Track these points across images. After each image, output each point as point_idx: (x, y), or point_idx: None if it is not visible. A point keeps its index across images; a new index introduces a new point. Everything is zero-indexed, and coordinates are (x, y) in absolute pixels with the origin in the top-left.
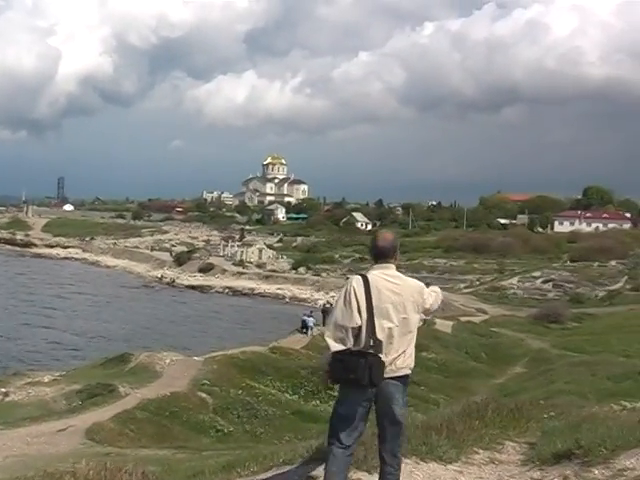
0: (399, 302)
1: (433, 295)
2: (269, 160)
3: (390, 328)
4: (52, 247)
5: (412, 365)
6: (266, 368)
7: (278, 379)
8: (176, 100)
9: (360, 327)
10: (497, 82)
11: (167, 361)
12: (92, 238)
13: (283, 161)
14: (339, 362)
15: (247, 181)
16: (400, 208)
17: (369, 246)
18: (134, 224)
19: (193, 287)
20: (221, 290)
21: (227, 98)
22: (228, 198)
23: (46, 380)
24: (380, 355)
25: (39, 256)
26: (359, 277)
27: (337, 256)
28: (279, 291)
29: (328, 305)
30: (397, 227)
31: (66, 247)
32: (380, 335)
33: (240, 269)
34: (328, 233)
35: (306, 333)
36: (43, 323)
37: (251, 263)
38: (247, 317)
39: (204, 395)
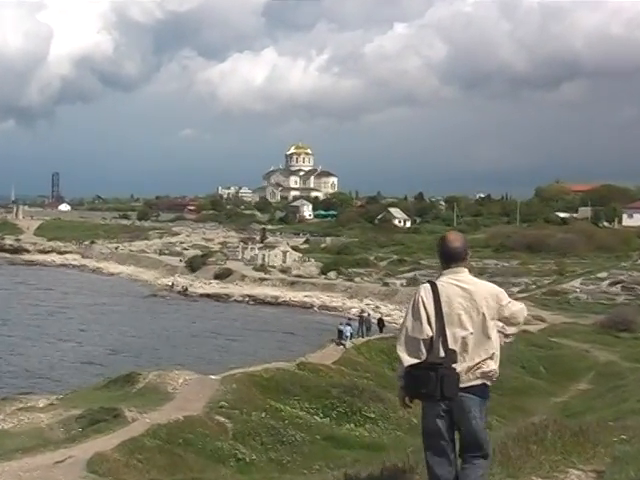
0: (472, 308)
1: (517, 305)
2: (293, 150)
3: (464, 337)
4: (47, 253)
5: (494, 375)
6: (293, 387)
7: (307, 400)
8: (186, 83)
9: (432, 338)
10: (554, 54)
11: (180, 381)
12: (92, 242)
13: (309, 151)
14: (410, 376)
15: (268, 174)
16: (443, 202)
17: (437, 250)
18: (140, 225)
19: (208, 296)
20: (240, 299)
21: (244, 80)
22: (247, 194)
23: (41, 405)
24: (454, 366)
25: (32, 263)
26: (427, 285)
27: (372, 258)
28: (306, 299)
29: (365, 314)
30: (440, 224)
31: (63, 253)
32: (453, 345)
33: (262, 275)
34: (361, 232)
35: (343, 344)
36: (36, 340)
37: (274, 268)
38: (270, 329)
39: (222, 419)
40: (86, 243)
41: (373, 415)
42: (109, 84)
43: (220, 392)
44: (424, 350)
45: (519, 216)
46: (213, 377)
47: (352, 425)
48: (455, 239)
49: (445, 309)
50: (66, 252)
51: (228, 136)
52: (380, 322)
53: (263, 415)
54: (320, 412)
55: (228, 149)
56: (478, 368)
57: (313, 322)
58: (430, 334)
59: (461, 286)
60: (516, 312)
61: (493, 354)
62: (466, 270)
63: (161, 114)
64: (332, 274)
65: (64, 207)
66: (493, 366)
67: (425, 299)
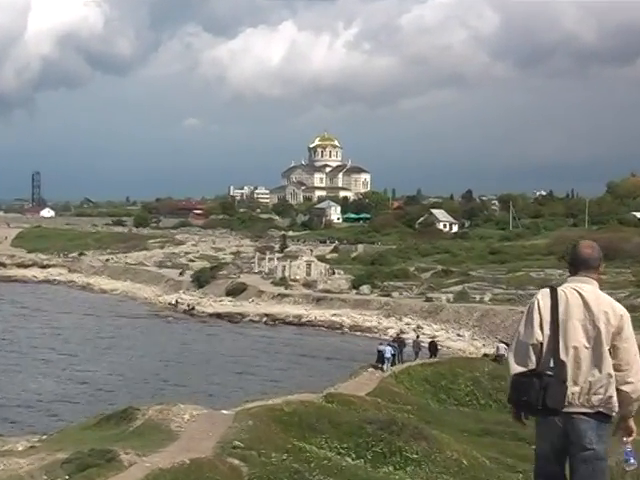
0: (589, 320)
1: (634, 355)
2: (317, 142)
3: (576, 348)
4: (27, 267)
5: (614, 407)
6: (320, 423)
7: (336, 438)
8: (189, 64)
9: (542, 344)
10: (629, 22)
11: (186, 416)
12: (81, 254)
13: (336, 143)
14: (514, 384)
15: (288, 172)
16: (496, 202)
17: (568, 256)
18: (138, 233)
19: (219, 315)
20: (257, 318)
21: (258, 60)
22: (263, 195)
23: (20, 448)
24: (563, 379)
25: (9, 280)
26: (546, 289)
27: (412, 269)
28: (335, 318)
29: (404, 336)
30: (493, 227)
31: (46, 267)
32: (564, 355)
33: (282, 290)
34: (400, 238)
35: (382, 369)
36: (15, 370)
37: (297, 281)
38: (292, 354)
39: (236, 462)
40: (73, 255)
41: (415, 456)
42: (98, 66)
43: (234, 430)
44: (533, 357)
45: (588, 217)
46: (225, 412)
47: (391, 468)
48: (590, 246)
49: (561, 317)
50: (50, 266)
51: (240, 127)
52: (432, 346)
53: (284, 457)
54: (352, 452)
55: (240, 142)
56: (594, 393)
57: (343, 345)
58: (540, 339)
59: (582, 295)
60: (629, 359)
61: (610, 378)
62: (595, 282)
63: (161, 102)
64: (365, 288)
65: (47, 212)
66: (612, 393)
67: (541, 303)
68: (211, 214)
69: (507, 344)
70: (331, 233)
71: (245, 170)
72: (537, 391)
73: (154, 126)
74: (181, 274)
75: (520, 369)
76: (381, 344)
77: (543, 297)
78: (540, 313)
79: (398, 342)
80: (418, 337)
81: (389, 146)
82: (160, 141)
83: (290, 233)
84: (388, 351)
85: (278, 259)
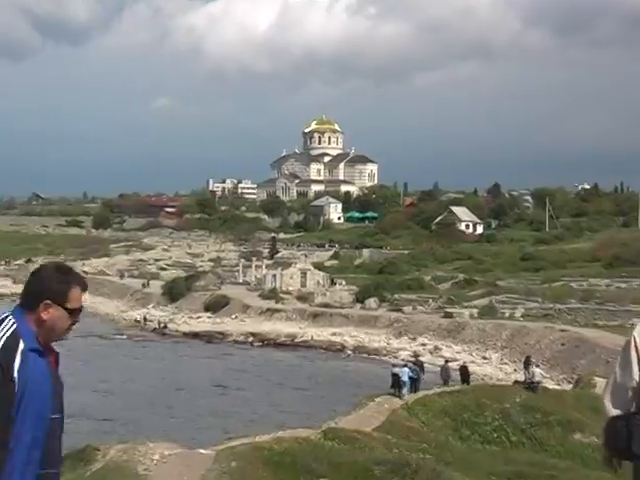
0: None
1: None
2: (314, 126)
3: None
4: None
5: None
6: (318, 465)
7: None
8: (158, 32)
9: None
10: None
11: (155, 457)
12: (29, 260)
13: (336, 127)
14: (610, 428)
15: (279, 162)
16: (530, 197)
17: None
18: (97, 236)
19: (196, 335)
20: (242, 338)
21: (242, 27)
22: (249, 190)
23: None
24: None
25: None
26: None
27: (428, 279)
28: (336, 338)
29: (423, 360)
30: (525, 228)
31: None
32: None
33: (272, 304)
34: (413, 241)
35: (399, 394)
36: None
37: (289, 294)
38: (285, 381)
39: None
40: (19, 262)
41: None
42: (49, 34)
43: (214, 473)
44: (632, 400)
45: None
46: (203, 451)
47: None
48: None
49: None
50: None
51: (221, 108)
52: (464, 371)
53: None
54: None
55: (221, 127)
56: None
57: (345, 371)
58: (638, 380)
59: None
60: None
61: None
62: None
63: (124, 78)
64: (372, 302)
65: None
66: None
67: (637, 339)
68: (186, 213)
69: (533, 363)
70: (331, 236)
71: (227, 160)
72: (623, 435)
73: (117, 107)
74: (145, 285)
75: (616, 412)
76: (396, 365)
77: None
78: (637, 350)
79: (417, 364)
80: (447, 362)
81: (400, 131)
82: (124, 126)
83: (281, 235)
84: (405, 373)
85: (267, 267)
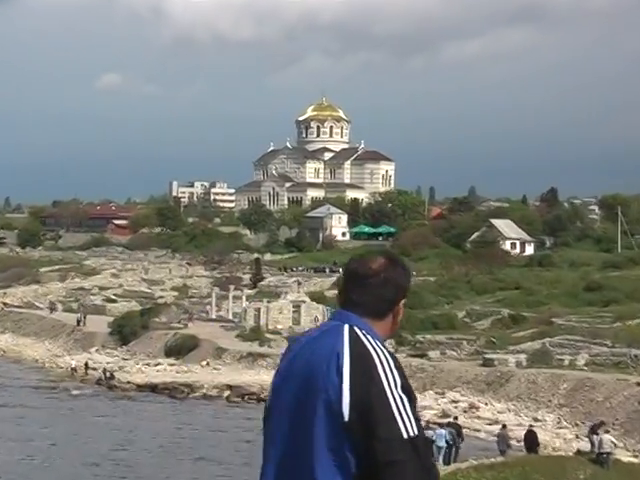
0: None
1: None
2: (311, 113)
3: None
4: None
5: None
6: None
7: None
8: None
9: None
10: None
11: None
12: None
13: (341, 114)
14: None
15: (265, 159)
16: (596, 207)
17: None
18: (24, 256)
19: (154, 388)
20: (215, 392)
21: None
22: (226, 196)
23: None
24: None
25: None
26: None
27: (462, 314)
28: None
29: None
30: (592, 247)
31: None
32: None
33: (255, 347)
34: (442, 265)
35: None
36: None
37: (278, 334)
38: None
39: None
40: None
41: None
42: None
43: None
44: None
45: None
46: None
47: None
48: None
49: None
50: None
51: (188, 88)
52: (530, 438)
53: None
54: None
55: (189, 112)
56: None
57: None
58: None
59: None
60: None
61: None
62: None
63: (59, 47)
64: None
65: None
66: None
67: None
68: (142, 226)
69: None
70: (333, 257)
71: (196, 157)
72: None
73: (51, 86)
74: (80, 322)
75: None
76: (429, 427)
77: None
78: None
79: (454, 427)
80: (504, 427)
81: (424, 120)
82: (59, 111)
83: (268, 257)
84: (442, 437)
85: (249, 298)
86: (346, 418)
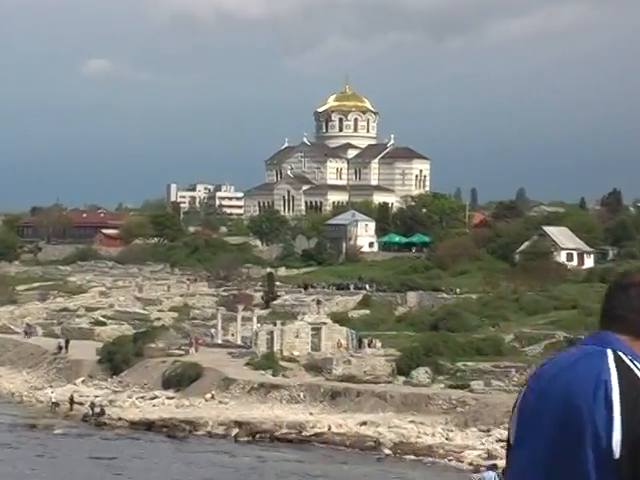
0: None
1: None
2: (332, 103)
3: None
4: None
5: None
6: None
7: None
8: None
9: None
10: None
11: None
12: None
13: (367, 104)
14: None
15: (279, 158)
16: None
17: None
18: None
19: (150, 425)
20: (221, 431)
21: None
22: (233, 201)
23: None
24: None
25: None
26: None
27: (510, 338)
28: (366, 429)
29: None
30: None
31: None
32: None
33: (268, 377)
34: (485, 280)
35: None
36: None
37: (295, 361)
38: None
39: None
40: None
41: None
42: None
43: None
44: None
45: None
46: None
47: None
48: None
49: None
50: None
51: (188, 74)
52: None
53: None
54: None
55: (190, 104)
56: None
57: None
58: None
59: None
60: None
61: None
62: None
63: (40, 26)
64: (421, 374)
65: None
66: None
67: None
68: (135, 236)
69: None
70: (359, 272)
71: (199, 155)
72: None
73: (29, 72)
74: (61, 348)
75: None
76: (477, 470)
77: None
78: None
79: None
80: None
81: (465, 111)
82: (38, 101)
83: (282, 271)
84: (491, 478)
85: (260, 320)
86: (616, 455)
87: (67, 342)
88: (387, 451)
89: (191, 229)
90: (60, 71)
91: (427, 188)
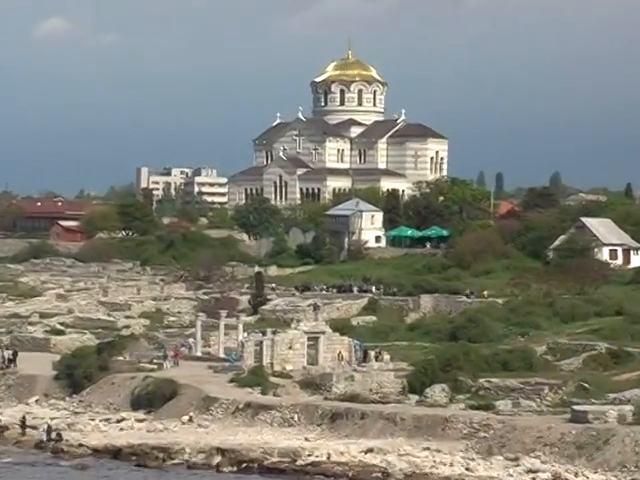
0: None
1: None
2: (331, 72)
3: None
4: None
5: None
6: None
7: None
8: None
9: None
10: None
11: None
12: None
13: (374, 73)
14: None
15: (269, 136)
16: None
17: None
18: None
19: (117, 453)
20: (201, 459)
21: None
22: (215, 187)
23: None
24: None
25: None
26: None
27: (542, 349)
28: (372, 458)
29: None
30: None
31: None
32: None
33: (256, 395)
34: (513, 281)
35: None
36: None
37: (290, 377)
38: None
39: None
40: None
41: None
42: None
43: None
44: None
45: None
46: None
47: None
48: None
49: None
50: None
51: (161, 37)
52: None
53: None
54: None
55: (162, 70)
56: None
57: None
58: None
59: None
60: None
61: None
62: None
63: None
64: (437, 392)
65: None
66: None
67: None
68: (99, 229)
69: None
70: (364, 271)
71: (174, 133)
72: None
73: None
74: (11, 361)
75: None
76: None
77: None
78: None
79: None
80: None
81: (489, 79)
82: None
83: (273, 270)
84: None
85: (247, 328)
86: None
87: (15, 354)
88: None
89: (165, 221)
90: (10, 33)
91: (444, 172)
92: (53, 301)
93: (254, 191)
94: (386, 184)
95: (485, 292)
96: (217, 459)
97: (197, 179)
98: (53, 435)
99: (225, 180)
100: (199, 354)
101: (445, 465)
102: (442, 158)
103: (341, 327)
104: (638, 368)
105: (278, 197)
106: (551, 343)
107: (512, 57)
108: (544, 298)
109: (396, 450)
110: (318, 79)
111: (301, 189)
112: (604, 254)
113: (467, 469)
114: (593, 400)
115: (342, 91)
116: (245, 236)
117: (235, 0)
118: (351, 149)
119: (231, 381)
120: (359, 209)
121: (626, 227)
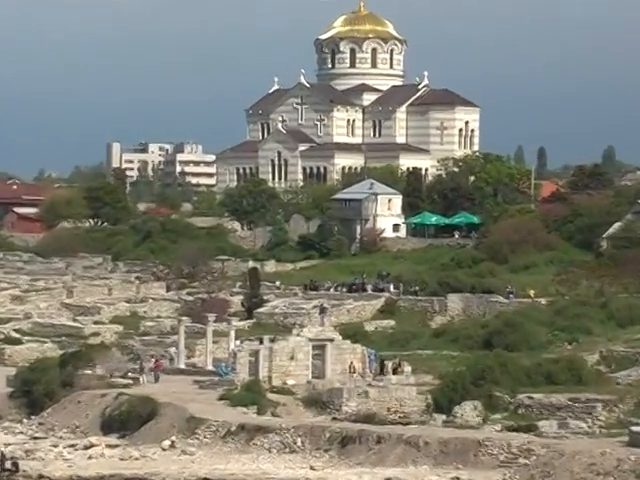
0: None
1: None
2: (340, 27)
3: None
4: None
5: None
6: None
7: None
8: None
9: None
10: None
11: None
12: None
13: (390, 29)
14: None
15: (266, 105)
16: None
17: None
18: None
19: None
20: None
21: None
22: (201, 167)
23: None
24: None
25: None
26: None
27: (594, 358)
28: None
29: None
30: None
31: None
32: None
33: (251, 416)
34: (562, 278)
35: None
36: None
37: (292, 393)
38: None
39: None
40: None
41: None
42: None
43: None
44: None
45: None
46: None
47: None
48: None
49: None
50: None
51: None
52: None
53: None
54: None
55: (137, 29)
56: None
57: None
58: None
59: None
60: None
61: None
62: None
63: None
64: (468, 410)
65: None
66: None
67: None
68: (62, 217)
69: None
70: (380, 266)
71: (153, 103)
72: None
73: None
74: None
75: None
76: None
77: None
78: None
79: None
80: None
81: (527, 37)
82: None
83: (271, 266)
84: None
85: (240, 335)
86: None
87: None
88: None
89: (141, 207)
90: None
91: (476, 147)
92: (7, 304)
93: (247, 171)
94: (406, 162)
95: (532, 291)
96: None
97: (179, 157)
98: (8, 465)
99: (212, 158)
100: (182, 366)
101: None
102: (473, 130)
103: (353, 333)
104: None
105: (276, 178)
106: (605, 351)
107: (554, 8)
108: (596, 297)
109: None
110: (324, 36)
111: (304, 168)
112: None
113: None
114: None
115: (352, 50)
116: (237, 225)
117: None
118: (363, 120)
119: (221, 398)
120: (373, 192)
121: None
